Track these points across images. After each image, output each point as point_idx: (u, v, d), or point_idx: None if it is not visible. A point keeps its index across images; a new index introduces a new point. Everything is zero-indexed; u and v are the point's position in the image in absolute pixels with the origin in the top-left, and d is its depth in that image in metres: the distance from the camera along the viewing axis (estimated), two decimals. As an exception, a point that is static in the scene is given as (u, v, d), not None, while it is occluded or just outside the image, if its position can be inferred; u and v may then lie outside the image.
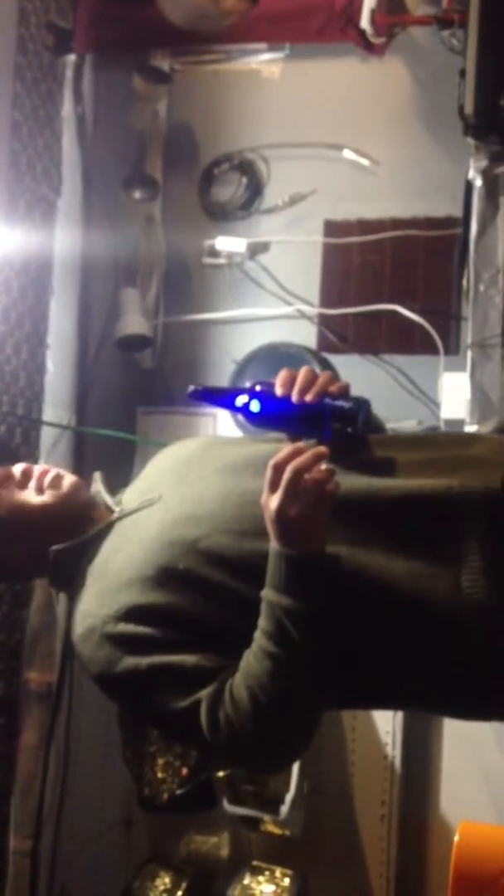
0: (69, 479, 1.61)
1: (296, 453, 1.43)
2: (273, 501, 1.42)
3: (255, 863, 2.93)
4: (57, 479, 1.60)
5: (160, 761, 2.86)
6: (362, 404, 1.54)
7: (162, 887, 2.90)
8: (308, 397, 1.52)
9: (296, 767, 2.79)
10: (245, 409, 1.56)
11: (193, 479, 1.58)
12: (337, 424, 1.52)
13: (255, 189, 3.29)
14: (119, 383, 3.30)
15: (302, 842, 2.90)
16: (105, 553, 1.56)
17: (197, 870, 2.97)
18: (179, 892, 2.89)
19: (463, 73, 2.60)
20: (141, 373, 3.32)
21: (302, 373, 1.55)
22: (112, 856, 2.96)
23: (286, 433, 1.57)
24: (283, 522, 1.41)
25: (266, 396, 1.55)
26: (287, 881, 2.88)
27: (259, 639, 1.42)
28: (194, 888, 2.92)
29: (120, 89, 3.27)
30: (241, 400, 1.56)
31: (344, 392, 1.54)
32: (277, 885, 2.88)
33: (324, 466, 1.43)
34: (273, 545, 1.43)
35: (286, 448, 1.45)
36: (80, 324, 3.29)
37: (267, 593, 1.42)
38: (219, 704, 1.41)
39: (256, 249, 3.26)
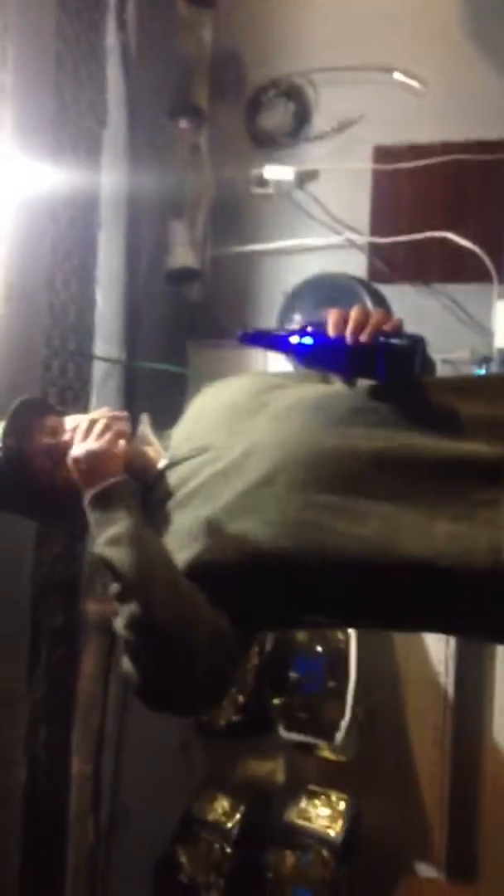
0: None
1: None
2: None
3: (310, 787, 2.98)
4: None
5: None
6: (418, 343, 1.51)
7: (221, 810, 2.97)
8: (363, 337, 1.50)
9: (350, 694, 2.82)
10: (297, 350, 1.54)
11: (243, 429, 1.58)
12: (392, 364, 1.50)
13: (303, 115, 3.23)
14: (168, 318, 3.30)
15: (357, 767, 2.95)
16: (154, 502, 1.59)
17: (254, 794, 3.03)
18: (238, 816, 2.96)
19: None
20: (190, 306, 3.31)
21: (355, 311, 1.52)
22: (171, 780, 3.03)
23: (339, 374, 1.55)
24: (76, 463, 1.58)
25: (318, 336, 1.52)
26: (342, 805, 2.93)
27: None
28: (252, 811, 2.98)
29: (164, 16, 3.21)
30: (292, 341, 1.55)
31: (398, 330, 1.52)
32: (333, 808, 2.93)
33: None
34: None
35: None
36: (129, 258, 3.27)
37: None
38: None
39: (305, 178, 3.22)
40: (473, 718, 2.96)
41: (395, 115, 3.15)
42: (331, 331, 1.51)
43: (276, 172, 3.19)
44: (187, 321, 3.28)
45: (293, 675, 2.89)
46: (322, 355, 1.54)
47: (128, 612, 1.45)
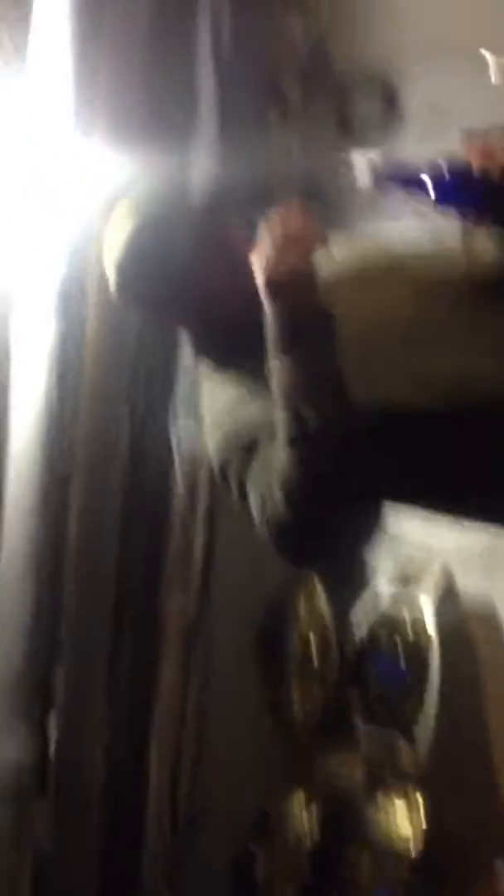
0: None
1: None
2: (259, 258, 1.42)
3: (389, 784, 2.97)
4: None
5: (297, 694, 2.92)
6: None
7: (298, 808, 2.98)
8: None
9: (431, 692, 2.80)
10: (436, 186, 1.43)
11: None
12: None
13: (393, 105, 3.16)
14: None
15: (437, 765, 2.92)
16: None
17: (332, 791, 3.03)
18: (315, 813, 2.96)
19: None
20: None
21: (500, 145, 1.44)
22: (249, 777, 3.03)
23: (480, 214, 1.47)
24: (270, 275, 1.40)
25: (459, 172, 1.43)
26: (421, 802, 2.90)
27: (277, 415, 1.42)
28: (330, 809, 2.98)
29: (258, 10, 3.15)
30: (430, 177, 1.44)
31: None
32: (412, 806, 2.91)
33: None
34: (267, 311, 1.42)
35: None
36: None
37: (271, 363, 1.41)
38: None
39: (395, 168, 3.14)
40: None
41: (489, 100, 3.05)
42: (475, 162, 1.42)
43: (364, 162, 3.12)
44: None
45: (373, 670, 2.88)
46: (463, 192, 1.43)
47: (298, 458, 1.38)
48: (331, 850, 2.92)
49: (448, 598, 2.93)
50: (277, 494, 1.39)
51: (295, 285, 1.41)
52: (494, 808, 2.93)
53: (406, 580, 2.95)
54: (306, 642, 2.96)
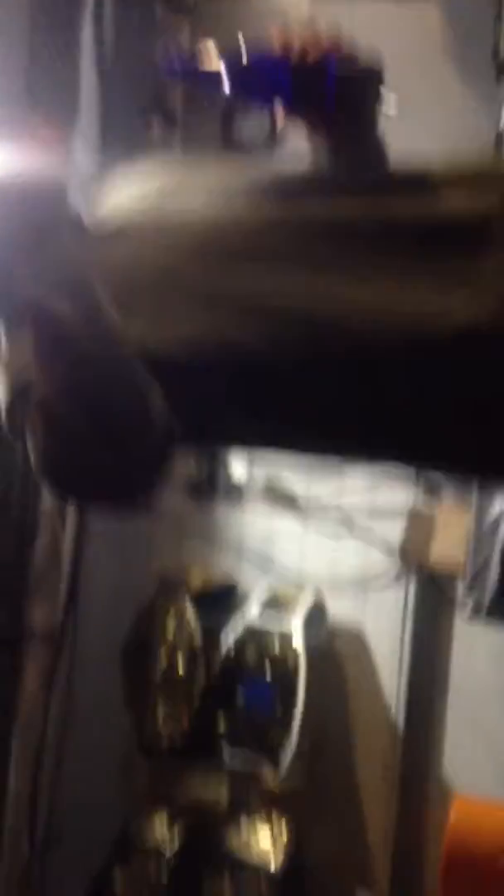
0: None
1: None
2: None
3: (253, 813, 2.92)
4: None
5: (162, 711, 2.85)
6: (374, 73, 1.31)
7: (159, 833, 2.89)
8: (310, 57, 1.29)
9: (297, 722, 2.77)
10: (231, 75, 1.33)
11: None
12: (342, 91, 1.29)
13: (277, 124, 3.18)
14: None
15: (301, 796, 2.89)
16: None
17: (195, 817, 2.95)
18: (177, 839, 2.88)
19: (499, 18, 2.49)
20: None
21: (303, 32, 1.31)
22: (110, 799, 2.96)
23: (281, 103, 1.36)
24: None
25: (257, 59, 1.32)
26: (284, 833, 2.87)
27: None
28: (192, 835, 2.90)
29: (141, 17, 3.14)
30: (225, 65, 1.33)
31: (353, 59, 1.31)
32: (275, 836, 2.87)
33: None
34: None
35: None
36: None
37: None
38: None
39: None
40: (423, 755, 2.93)
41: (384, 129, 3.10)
42: (275, 51, 1.30)
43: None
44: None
45: (241, 698, 2.84)
46: (261, 80, 1.34)
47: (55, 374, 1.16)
48: (191, 870, 2.85)
49: (318, 621, 2.94)
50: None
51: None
52: (359, 841, 2.93)
53: (278, 603, 2.94)
54: (173, 658, 2.91)
